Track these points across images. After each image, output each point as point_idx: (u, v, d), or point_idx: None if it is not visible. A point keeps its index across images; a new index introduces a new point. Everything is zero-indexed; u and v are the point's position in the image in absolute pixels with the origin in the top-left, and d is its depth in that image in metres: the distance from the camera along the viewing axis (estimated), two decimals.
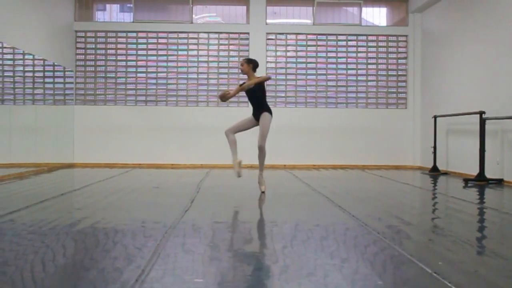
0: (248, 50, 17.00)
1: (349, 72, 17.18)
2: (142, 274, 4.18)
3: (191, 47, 17.10)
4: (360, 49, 17.23)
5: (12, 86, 13.34)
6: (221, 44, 17.14)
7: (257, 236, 6.18)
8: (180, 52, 17.06)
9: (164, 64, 17.00)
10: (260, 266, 4.67)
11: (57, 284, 4.10)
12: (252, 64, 9.92)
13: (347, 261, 4.82)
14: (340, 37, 17.21)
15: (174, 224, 6.44)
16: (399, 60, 17.27)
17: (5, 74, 13.05)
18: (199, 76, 16.97)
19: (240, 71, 10.20)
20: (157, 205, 8.42)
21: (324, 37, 17.19)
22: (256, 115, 9.95)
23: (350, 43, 17.22)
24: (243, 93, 10.55)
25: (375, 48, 17.25)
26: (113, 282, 4.05)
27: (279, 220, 7.01)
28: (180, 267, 4.51)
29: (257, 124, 10.05)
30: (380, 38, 17.27)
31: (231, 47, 17.16)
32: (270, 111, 9.92)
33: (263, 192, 9.94)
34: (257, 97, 9.89)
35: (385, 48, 17.27)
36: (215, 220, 6.90)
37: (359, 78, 17.17)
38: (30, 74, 14.23)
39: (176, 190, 10.35)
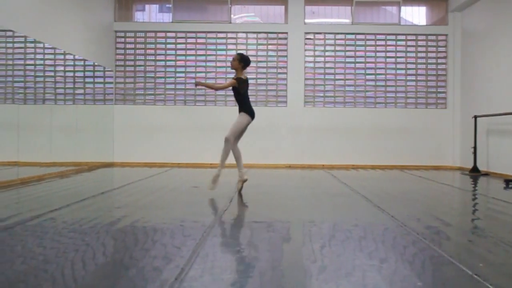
0: (286, 50, 16.99)
1: (388, 71, 17.06)
2: (182, 273, 4.20)
3: (229, 47, 17.13)
4: (399, 48, 17.11)
5: (53, 86, 13.49)
6: (260, 44, 17.14)
7: (296, 235, 6.16)
8: (218, 52, 17.11)
9: (203, 64, 17.06)
10: (298, 265, 4.66)
11: (97, 282, 4.13)
12: (243, 63, 9.91)
13: (385, 261, 4.79)
14: (378, 37, 17.10)
15: (213, 223, 6.45)
16: (438, 60, 17.10)
17: (47, 74, 13.20)
18: None
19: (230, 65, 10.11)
20: (196, 204, 8.44)
21: (362, 37, 17.11)
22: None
23: (389, 42, 17.10)
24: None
25: (414, 48, 17.11)
26: (153, 281, 4.07)
27: (317, 220, 6.99)
28: (218, 266, 4.52)
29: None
30: (420, 37, 17.12)
31: (270, 47, 17.15)
32: (247, 112, 10.11)
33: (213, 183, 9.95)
34: (236, 97, 10.14)
35: (424, 48, 17.12)
36: (254, 220, 6.90)
37: (398, 78, 17.04)
38: (71, 74, 14.39)
39: (215, 190, 10.37)
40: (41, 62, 12.87)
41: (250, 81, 16.92)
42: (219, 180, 10.03)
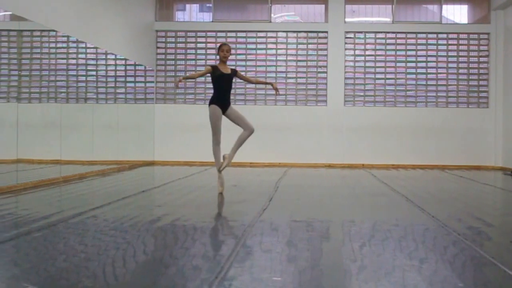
0: (326, 49, 16.94)
1: (429, 70, 16.90)
2: (221, 272, 4.21)
3: (269, 46, 17.15)
4: (440, 47, 16.94)
5: (95, 85, 13.65)
6: (300, 43, 17.12)
7: (335, 235, 6.15)
8: (258, 51, 17.13)
9: (243, 63, 17.10)
10: (338, 265, 4.65)
11: (137, 280, 4.17)
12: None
13: (426, 262, 4.75)
14: (419, 35, 16.96)
15: (253, 222, 6.46)
16: (480, 59, 16.90)
17: (88, 73, 13.36)
18: (277, 75, 17.01)
19: (221, 56, 9.48)
20: (235, 203, 8.47)
21: (403, 36, 16.97)
22: (223, 105, 9.46)
23: (430, 41, 16.94)
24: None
25: (455, 46, 16.92)
26: (193, 279, 4.09)
27: (357, 219, 6.97)
28: (258, 265, 4.53)
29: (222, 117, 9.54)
30: (461, 36, 16.93)
31: (310, 46, 17.13)
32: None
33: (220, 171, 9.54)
34: (230, 85, 9.67)
35: (466, 46, 16.93)
36: (293, 219, 6.90)
37: (439, 76, 16.88)
38: (112, 74, 14.54)
39: (254, 189, 10.39)
40: (83, 61, 13.03)
41: (290, 80, 16.99)
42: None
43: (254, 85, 16.72)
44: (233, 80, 9.68)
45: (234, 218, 6.90)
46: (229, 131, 10.33)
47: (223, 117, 9.51)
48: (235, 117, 9.54)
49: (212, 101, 9.42)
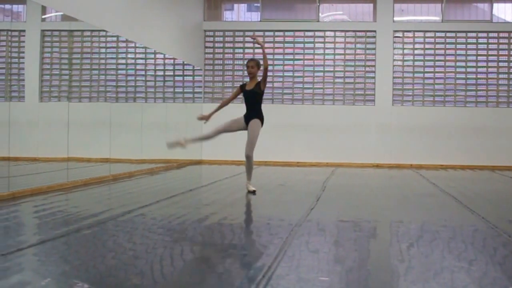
0: (374, 49, 16.83)
1: (479, 70, 16.65)
2: (268, 271, 4.21)
3: (317, 45, 17.10)
4: (490, 46, 16.68)
5: (143, 84, 13.78)
6: (348, 43, 17.03)
7: (383, 235, 6.11)
8: (306, 51, 17.09)
9: (291, 62, 17.08)
10: (385, 265, 4.62)
11: (185, 278, 4.20)
12: (260, 68, 9.44)
13: (475, 263, 4.70)
14: (469, 34, 16.72)
15: (300, 222, 6.45)
16: None
17: (138, 73, 13.50)
18: (325, 75, 16.95)
19: (248, 73, 9.50)
20: (282, 202, 8.48)
21: (453, 35, 16.76)
22: (247, 118, 9.57)
23: (480, 40, 16.70)
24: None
25: (506, 45, 16.66)
26: (240, 278, 4.10)
27: (405, 219, 6.92)
28: (305, 265, 4.53)
29: (243, 128, 9.71)
30: None
31: (358, 45, 17.03)
32: (262, 119, 9.53)
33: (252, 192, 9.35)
34: (255, 99, 9.49)
35: None
36: (340, 219, 6.88)
37: (490, 76, 16.62)
38: (161, 73, 14.67)
39: (301, 188, 10.37)
40: (133, 61, 13.17)
41: (338, 79, 16.93)
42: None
43: (312, 84, 16.74)
44: (261, 92, 9.48)
45: (281, 218, 6.91)
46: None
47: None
48: (249, 132, 9.62)
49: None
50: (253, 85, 9.42)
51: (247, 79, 16.91)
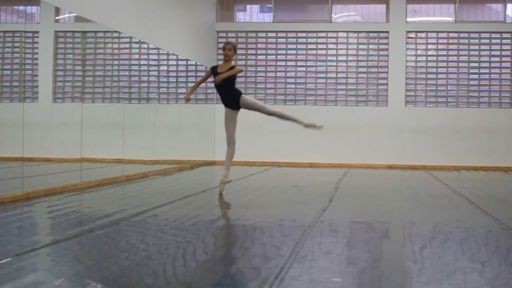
0: (387, 49, 16.79)
1: (492, 70, 16.57)
2: (281, 272, 4.21)
3: (330, 46, 17.08)
4: (504, 47, 16.61)
5: (156, 85, 13.82)
6: (360, 43, 17.01)
7: (395, 236, 6.10)
8: (319, 52, 17.08)
9: (303, 63, 17.08)
10: (398, 266, 4.62)
11: (198, 279, 4.21)
12: (236, 52, 9.31)
13: (488, 264, 4.68)
14: (483, 35, 16.65)
15: (312, 223, 6.45)
16: None
17: (150, 74, 13.53)
18: (338, 76, 16.93)
19: (224, 55, 9.01)
20: (295, 203, 8.48)
21: (466, 35, 16.70)
22: (232, 104, 9.00)
23: (493, 41, 16.63)
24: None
25: None
26: (253, 279, 4.10)
27: (417, 220, 6.91)
28: (317, 266, 4.53)
29: (236, 113, 9.23)
30: None
31: (370, 46, 17.00)
32: (242, 93, 9.09)
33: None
34: (229, 86, 8.93)
35: None
36: (353, 220, 6.87)
37: (503, 77, 16.54)
38: (174, 74, 14.70)
39: (314, 189, 10.37)
40: (145, 62, 13.21)
41: (350, 80, 16.91)
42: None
43: (324, 85, 16.76)
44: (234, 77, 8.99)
45: (294, 219, 6.91)
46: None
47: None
48: (250, 105, 9.06)
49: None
50: (226, 68, 8.93)
51: (260, 79, 17.03)
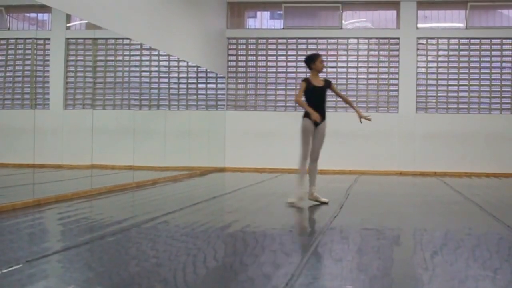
0: (398, 55, 16.76)
1: (504, 77, 16.51)
2: (291, 280, 4.20)
3: (340, 52, 17.06)
4: None
5: (167, 92, 13.85)
6: (371, 50, 16.99)
7: (406, 243, 6.08)
8: (329, 58, 17.04)
9: None
10: (409, 274, 4.60)
11: (208, 286, 4.20)
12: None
13: (500, 271, 4.65)
14: (494, 41, 16.60)
15: (323, 230, 6.44)
16: None
17: (161, 80, 13.56)
18: (348, 82, 16.91)
19: (320, 68, 9.11)
20: (305, 210, 8.46)
21: (477, 41, 16.65)
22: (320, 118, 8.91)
23: (505, 46, 16.57)
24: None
25: None
26: (263, 286, 4.10)
27: (429, 227, 6.88)
28: (328, 273, 4.52)
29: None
30: None
31: (381, 52, 16.97)
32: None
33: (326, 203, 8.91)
34: (322, 101, 9.17)
35: None
36: (364, 227, 6.85)
37: None
38: (184, 81, 14.72)
39: (325, 196, 10.34)
40: (156, 68, 13.23)
41: (360, 87, 16.87)
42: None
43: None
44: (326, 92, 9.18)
45: (304, 225, 6.90)
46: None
47: None
48: (317, 139, 9.02)
49: (306, 114, 8.99)
50: (321, 82, 9.06)
51: (271, 86, 17.02)
